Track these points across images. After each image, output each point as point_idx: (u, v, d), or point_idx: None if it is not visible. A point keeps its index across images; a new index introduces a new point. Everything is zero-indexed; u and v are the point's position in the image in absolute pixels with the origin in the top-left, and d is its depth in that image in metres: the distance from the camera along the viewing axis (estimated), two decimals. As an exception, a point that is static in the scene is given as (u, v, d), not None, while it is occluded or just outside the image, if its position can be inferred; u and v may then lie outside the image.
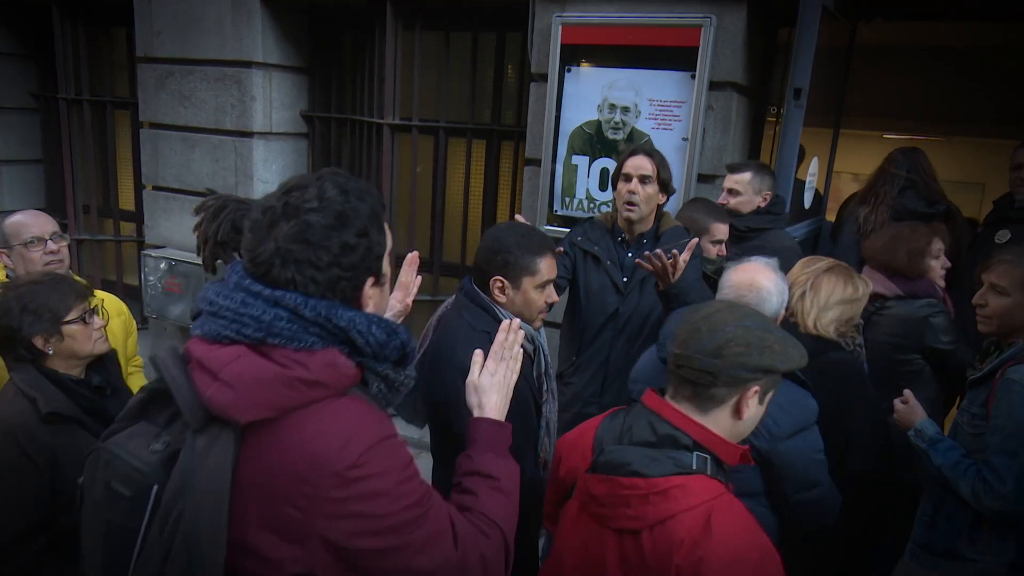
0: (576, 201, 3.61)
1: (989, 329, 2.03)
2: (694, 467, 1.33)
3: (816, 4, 2.75)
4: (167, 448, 1.09)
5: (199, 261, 2.01)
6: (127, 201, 5.31)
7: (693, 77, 3.26)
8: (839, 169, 4.40)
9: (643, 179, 2.59)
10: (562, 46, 3.46)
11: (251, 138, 4.41)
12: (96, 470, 1.12)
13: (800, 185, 3.41)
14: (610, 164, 3.51)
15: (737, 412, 1.39)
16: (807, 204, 3.74)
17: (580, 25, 3.42)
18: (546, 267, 1.95)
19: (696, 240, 2.43)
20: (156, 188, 4.78)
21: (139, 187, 5.00)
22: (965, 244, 3.37)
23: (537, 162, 3.69)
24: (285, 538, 1.06)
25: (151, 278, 4.59)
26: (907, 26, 3.81)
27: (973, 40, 4.79)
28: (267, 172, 4.54)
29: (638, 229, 2.71)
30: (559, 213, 3.67)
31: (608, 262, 2.69)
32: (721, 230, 2.73)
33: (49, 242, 2.41)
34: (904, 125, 5.94)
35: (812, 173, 3.42)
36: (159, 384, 1.13)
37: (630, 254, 2.67)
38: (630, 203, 2.61)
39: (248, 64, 4.30)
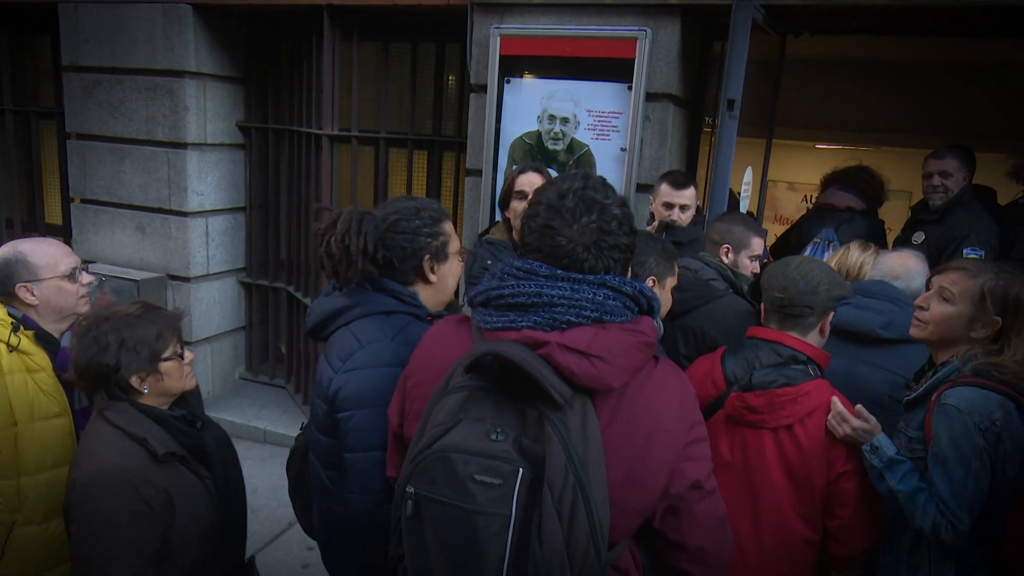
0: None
1: (922, 335, 1.90)
2: (812, 374, 1.91)
3: (746, 18, 2.81)
4: (507, 436, 1.15)
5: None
6: (54, 215, 5.11)
7: (630, 88, 3.30)
8: (775, 178, 4.52)
9: None
10: (501, 57, 3.47)
11: (185, 149, 4.29)
12: (442, 473, 1.14)
13: (734, 195, 3.49)
14: (552, 175, 3.53)
15: (821, 331, 1.98)
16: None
17: (518, 36, 3.44)
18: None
19: None
20: (85, 201, 4.61)
21: (66, 200, 4.82)
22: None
23: (478, 172, 3.68)
24: (641, 489, 1.23)
25: (80, 294, 4.41)
26: (836, 40, 3.94)
27: (898, 55, 4.99)
28: (202, 184, 4.43)
29: None
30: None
31: None
32: (760, 245, 2.64)
33: (85, 273, 2.16)
34: (836, 136, 6.14)
35: (747, 182, 3.49)
36: (475, 381, 1.21)
37: None
38: None
39: (180, 74, 4.19)
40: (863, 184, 3.68)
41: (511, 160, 3.59)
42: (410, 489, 1.16)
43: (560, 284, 1.23)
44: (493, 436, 1.14)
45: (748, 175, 3.50)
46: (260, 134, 4.65)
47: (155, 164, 4.36)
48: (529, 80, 3.49)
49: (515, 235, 2.71)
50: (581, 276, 1.24)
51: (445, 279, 1.78)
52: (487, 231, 2.81)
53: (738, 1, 2.84)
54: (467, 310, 1.44)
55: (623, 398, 1.23)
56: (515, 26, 3.44)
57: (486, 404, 1.19)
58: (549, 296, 1.22)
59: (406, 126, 4.27)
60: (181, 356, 1.81)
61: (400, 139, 4.27)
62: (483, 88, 3.57)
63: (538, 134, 3.52)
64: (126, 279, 4.20)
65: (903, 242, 3.36)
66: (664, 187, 3.03)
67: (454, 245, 1.79)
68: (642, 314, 1.28)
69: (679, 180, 3.02)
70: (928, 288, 1.93)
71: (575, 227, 1.25)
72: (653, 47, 3.25)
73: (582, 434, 1.14)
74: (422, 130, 4.30)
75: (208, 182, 4.47)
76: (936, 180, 3.28)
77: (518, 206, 2.64)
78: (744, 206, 3.52)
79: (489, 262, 2.76)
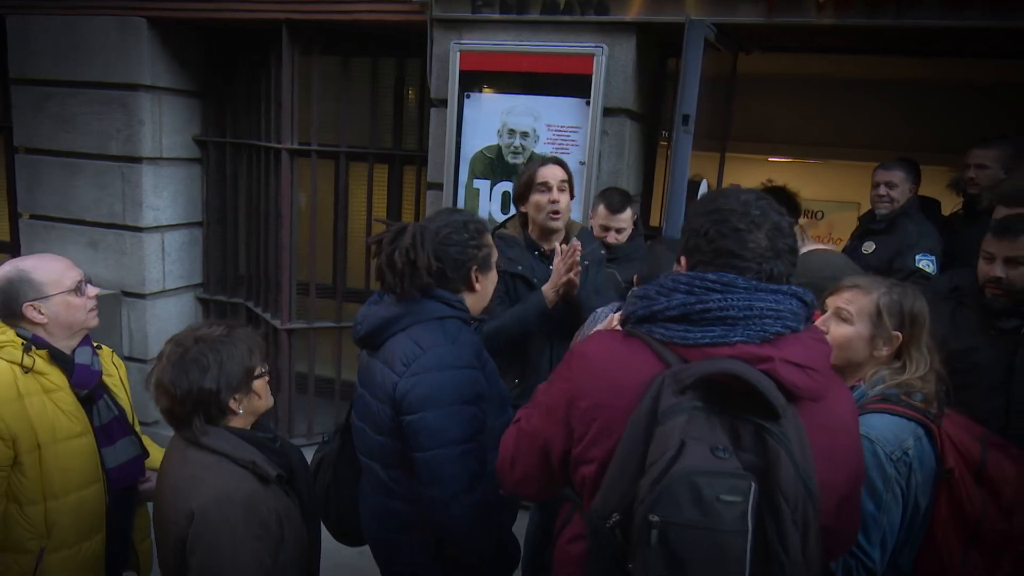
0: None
1: None
2: None
3: (699, 36, 2.90)
4: (730, 453, 1.15)
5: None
6: (1, 231, 4.98)
7: (588, 104, 3.37)
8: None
9: (561, 187, 2.56)
10: (461, 72, 3.51)
11: (140, 164, 4.22)
12: (688, 497, 1.11)
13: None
14: (511, 188, 3.56)
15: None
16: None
17: (478, 52, 3.48)
18: None
19: (577, 244, 2.40)
20: (34, 217, 4.50)
21: (14, 216, 4.70)
22: None
23: (439, 186, 3.70)
24: (832, 488, 1.27)
25: (29, 312, 4.29)
26: (786, 58, 4.07)
27: (846, 71, 5.16)
28: (158, 199, 4.36)
29: (556, 239, 2.64)
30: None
31: (536, 280, 2.59)
32: None
33: (90, 286, 2.09)
34: (787, 150, 6.31)
35: (702, 195, 3.58)
36: (693, 402, 1.18)
37: (551, 268, 2.59)
38: (555, 212, 2.55)
39: (135, 87, 4.13)
40: (782, 201, 3.76)
41: (472, 174, 3.62)
42: (654, 518, 1.11)
43: (763, 295, 1.25)
44: (719, 454, 1.13)
45: (703, 188, 3.58)
46: (217, 148, 4.60)
47: (109, 179, 4.28)
48: (489, 95, 3.53)
49: (530, 230, 2.65)
50: (777, 287, 1.27)
51: (487, 287, 1.93)
52: (501, 225, 2.78)
53: (691, 20, 2.92)
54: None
55: (817, 403, 1.26)
56: (475, 42, 3.49)
57: (701, 423, 1.17)
58: (759, 308, 1.24)
59: (366, 140, 4.27)
60: (268, 375, 1.81)
61: (360, 153, 4.26)
62: (443, 103, 3.60)
63: (498, 148, 3.55)
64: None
65: (853, 251, 3.47)
66: (601, 209, 3.11)
67: (494, 255, 1.94)
68: (809, 320, 1.33)
69: (615, 205, 3.09)
70: (824, 311, 1.86)
71: (762, 231, 1.28)
72: (610, 63, 3.32)
73: (799, 443, 1.17)
74: (383, 144, 4.30)
75: (164, 197, 4.40)
76: (883, 191, 3.41)
77: (540, 199, 2.55)
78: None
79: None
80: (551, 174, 2.55)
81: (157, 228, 4.41)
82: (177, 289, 4.63)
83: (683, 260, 1.37)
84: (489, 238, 1.92)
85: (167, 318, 4.58)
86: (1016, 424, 2.20)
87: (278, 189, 4.25)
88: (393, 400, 1.74)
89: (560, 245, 2.46)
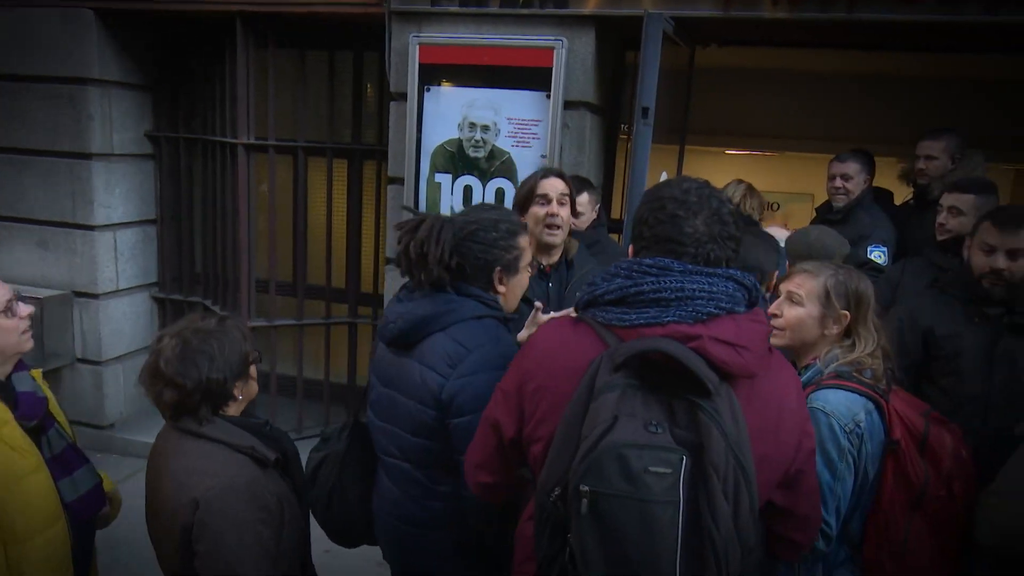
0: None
1: (783, 343, 1.93)
2: None
3: (657, 29, 2.92)
4: (664, 428, 1.20)
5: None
6: (-56, 231, 4.79)
7: (548, 97, 3.37)
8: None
9: (561, 201, 2.47)
10: (420, 66, 3.48)
11: (90, 160, 4.11)
12: (617, 469, 1.16)
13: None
14: (473, 181, 3.55)
15: None
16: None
17: (437, 45, 3.45)
18: None
19: (539, 309, 2.10)
20: (-21, 216, 4.35)
21: (-41, 215, 4.53)
22: None
23: (400, 180, 3.67)
24: (774, 464, 1.34)
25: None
26: (742, 51, 4.12)
27: (801, 65, 5.25)
28: (109, 196, 4.24)
29: (555, 254, 2.54)
30: (424, 231, 3.67)
31: (532, 297, 2.41)
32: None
33: (21, 304, 1.90)
34: (744, 142, 6.41)
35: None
36: (626, 379, 1.24)
37: (550, 284, 2.54)
38: (553, 225, 2.45)
39: (84, 81, 4.02)
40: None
41: (433, 168, 3.60)
42: (584, 487, 1.18)
43: (696, 278, 1.31)
44: (652, 429, 1.19)
45: (663, 179, 3.62)
46: (171, 144, 4.50)
47: (58, 176, 4.16)
48: (449, 88, 3.51)
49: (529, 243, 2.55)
50: (712, 270, 1.33)
51: (514, 290, 1.90)
52: None
53: (649, 14, 2.94)
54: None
55: (755, 382, 1.31)
56: (434, 35, 3.46)
57: (636, 400, 1.23)
58: (691, 290, 1.29)
59: (325, 135, 4.21)
60: (259, 362, 1.85)
61: (319, 148, 4.21)
62: (403, 96, 3.57)
63: (459, 142, 3.54)
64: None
65: (809, 242, 3.54)
66: None
67: (526, 258, 1.90)
68: (752, 305, 1.37)
69: (576, 187, 2.96)
70: (778, 295, 1.99)
71: (700, 218, 1.34)
72: (569, 57, 3.32)
73: (732, 419, 1.22)
74: (342, 138, 4.25)
75: (116, 194, 4.29)
76: (838, 183, 3.48)
77: (539, 211, 2.45)
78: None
79: None
80: (551, 186, 2.47)
81: (109, 226, 4.29)
82: (131, 288, 4.52)
83: (630, 248, 1.45)
84: (523, 240, 1.88)
85: (121, 318, 4.47)
86: (995, 409, 2.25)
87: (235, 185, 4.17)
88: (439, 402, 1.73)
89: (536, 303, 2.21)
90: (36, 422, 1.87)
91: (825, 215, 3.59)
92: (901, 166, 3.66)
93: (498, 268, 1.82)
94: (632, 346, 1.26)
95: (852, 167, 3.46)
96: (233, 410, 1.79)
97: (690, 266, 1.32)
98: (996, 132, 4.47)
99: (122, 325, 4.48)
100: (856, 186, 3.45)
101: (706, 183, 1.40)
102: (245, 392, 1.79)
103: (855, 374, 1.82)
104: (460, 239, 1.78)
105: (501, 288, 1.85)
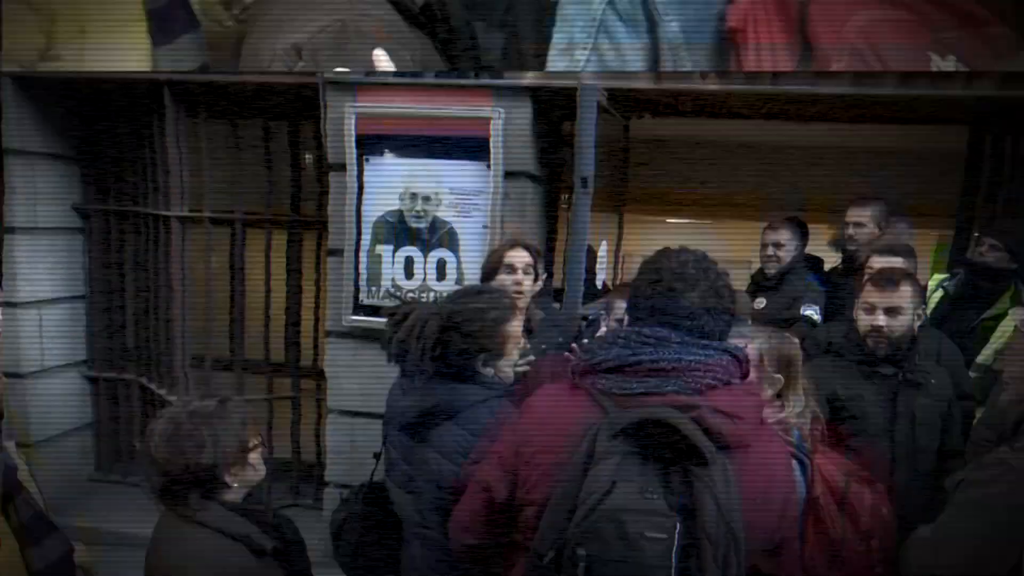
0: (382, 290, 3.55)
1: None
2: None
3: (592, 100, 2.98)
4: (659, 495, 1.23)
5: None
6: None
7: (489, 167, 3.38)
8: (630, 251, 4.73)
9: (527, 271, 2.61)
10: (358, 136, 3.46)
11: (12, 235, 3.94)
12: (614, 534, 1.20)
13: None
14: (415, 252, 3.51)
15: None
16: (599, 286, 3.96)
17: (374, 116, 3.44)
18: None
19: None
20: None
21: None
22: None
23: (340, 252, 3.61)
24: (761, 532, 1.35)
25: None
26: (678, 121, 4.23)
27: (733, 135, 5.44)
28: (34, 271, 4.07)
29: None
30: (365, 303, 3.59)
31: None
32: None
33: None
34: (683, 211, 6.55)
35: (602, 255, 3.63)
36: (624, 446, 1.27)
37: None
38: (518, 293, 2.56)
39: (3, 152, 3.87)
40: None
41: (375, 240, 3.55)
42: (582, 552, 1.21)
43: (694, 350, 1.37)
44: (648, 496, 1.23)
45: (603, 248, 3.64)
46: (100, 217, 4.36)
47: (-22, 251, 3.97)
48: (389, 158, 3.49)
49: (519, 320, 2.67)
50: (708, 343, 1.38)
51: (503, 368, 1.99)
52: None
53: (583, 85, 3.00)
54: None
55: (747, 452, 1.34)
56: (370, 105, 3.45)
57: (632, 466, 1.26)
58: (688, 362, 1.35)
59: (263, 206, 4.14)
60: (264, 446, 1.85)
61: (257, 219, 4.13)
62: (342, 167, 3.54)
63: (400, 212, 3.50)
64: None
65: (745, 307, 3.58)
66: None
67: (513, 342, 1.99)
68: (745, 376, 1.44)
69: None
70: None
71: (696, 291, 1.39)
72: (507, 126, 3.35)
73: (725, 487, 1.25)
74: (280, 210, 4.18)
75: (40, 269, 4.11)
76: (771, 251, 3.55)
77: (506, 279, 2.59)
78: (600, 280, 3.65)
79: None
80: (516, 256, 2.62)
81: (33, 303, 4.10)
82: (59, 368, 4.30)
83: (625, 317, 1.52)
84: (511, 326, 1.96)
85: (50, 398, 4.23)
86: (901, 464, 2.36)
87: (167, 258, 4.04)
88: (456, 491, 1.78)
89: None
90: (4, 490, 1.86)
91: (760, 281, 3.64)
92: (831, 233, 3.76)
93: (481, 356, 1.90)
94: (634, 414, 1.30)
95: (784, 235, 3.54)
96: (233, 495, 1.77)
97: (687, 337, 1.38)
98: (921, 200, 4.66)
99: (51, 406, 4.24)
100: (787, 253, 3.53)
101: (704, 255, 1.47)
102: (242, 479, 1.77)
103: (780, 434, 1.89)
104: (445, 328, 1.86)
105: (487, 370, 1.94)
